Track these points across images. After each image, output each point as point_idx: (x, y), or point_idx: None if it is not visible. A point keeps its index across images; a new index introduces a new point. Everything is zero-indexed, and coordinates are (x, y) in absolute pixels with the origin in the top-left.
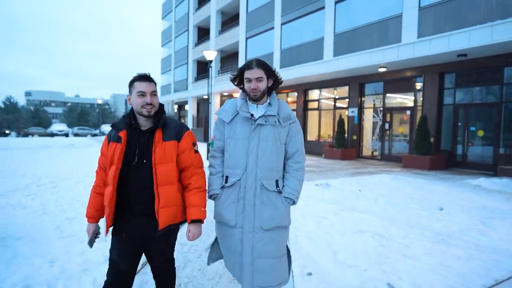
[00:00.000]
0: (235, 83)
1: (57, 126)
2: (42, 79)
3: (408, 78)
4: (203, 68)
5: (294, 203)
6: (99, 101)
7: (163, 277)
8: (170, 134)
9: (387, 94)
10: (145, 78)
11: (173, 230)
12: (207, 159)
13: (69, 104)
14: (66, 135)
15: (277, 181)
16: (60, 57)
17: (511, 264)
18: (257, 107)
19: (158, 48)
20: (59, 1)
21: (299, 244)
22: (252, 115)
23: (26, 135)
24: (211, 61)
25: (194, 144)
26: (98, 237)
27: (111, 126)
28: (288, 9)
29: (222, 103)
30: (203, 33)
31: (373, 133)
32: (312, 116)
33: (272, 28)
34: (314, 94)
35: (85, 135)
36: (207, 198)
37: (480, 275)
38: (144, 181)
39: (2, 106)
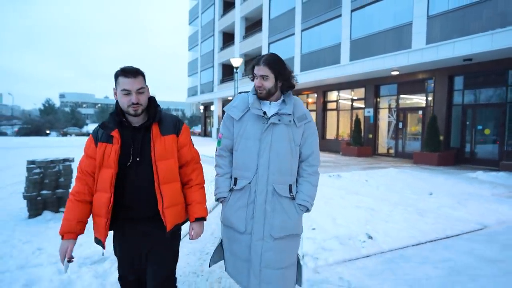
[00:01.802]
0: (251, 78)
1: (93, 127)
2: (74, 81)
3: (420, 80)
4: (228, 71)
5: (308, 210)
6: None
7: None
8: (168, 128)
9: (401, 95)
10: (130, 73)
11: (176, 233)
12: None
13: (99, 105)
14: None
15: (290, 186)
16: (90, 60)
17: (464, 227)
18: (270, 104)
19: (181, 50)
20: (90, 8)
21: (308, 214)
22: (264, 113)
23: (65, 134)
24: (237, 67)
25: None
26: (72, 261)
27: (99, 126)
28: (308, 17)
29: None
30: (228, 38)
31: (388, 132)
32: (331, 116)
33: (293, 34)
34: (332, 95)
35: None
36: (214, 200)
37: (437, 232)
38: (142, 182)
39: (42, 108)
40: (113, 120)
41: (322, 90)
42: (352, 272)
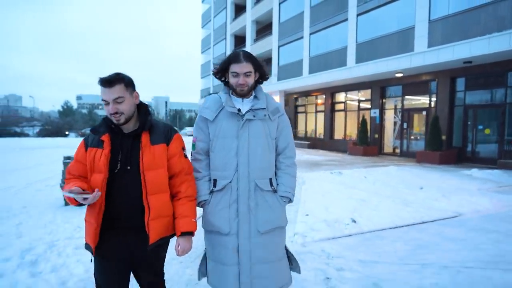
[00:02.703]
0: (217, 77)
1: None
2: (90, 83)
3: (423, 82)
4: None
5: (290, 201)
6: None
7: None
8: (158, 137)
9: (405, 96)
10: (106, 82)
11: (164, 244)
12: None
13: None
14: None
15: (270, 180)
16: (105, 63)
17: (441, 214)
18: (242, 101)
19: (195, 51)
20: (105, 11)
21: (305, 204)
22: (239, 110)
23: (83, 135)
24: None
25: (183, 149)
26: (86, 195)
27: (90, 130)
28: (316, 21)
29: None
30: (239, 41)
31: (394, 132)
32: (339, 117)
33: (302, 37)
34: (340, 96)
35: None
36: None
37: (415, 218)
38: (129, 191)
39: (61, 110)
40: (105, 124)
41: (330, 91)
42: (333, 247)
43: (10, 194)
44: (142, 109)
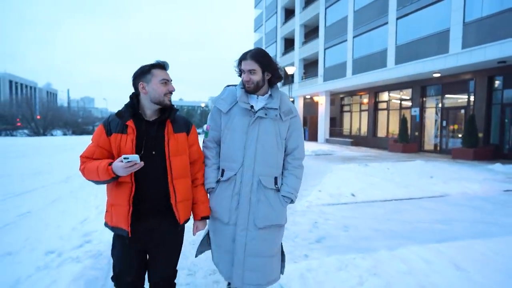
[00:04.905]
0: (238, 73)
1: None
2: None
3: (462, 81)
4: (288, 75)
5: (292, 202)
6: (203, 105)
7: None
8: (180, 127)
9: (445, 95)
10: (166, 65)
11: (180, 232)
12: None
13: (175, 106)
14: None
15: (276, 178)
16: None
17: (429, 194)
18: (257, 98)
19: None
20: (168, 19)
21: (323, 185)
22: (252, 106)
23: None
24: (291, 75)
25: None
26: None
27: (115, 115)
28: (359, 24)
29: (305, 105)
30: (289, 44)
31: (433, 130)
32: (382, 115)
33: (346, 40)
34: (383, 96)
35: None
36: None
37: (405, 196)
38: (155, 175)
39: None
40: (128, 111)
41: (374, 91)
42: (328, 209)
43: None
44: None
